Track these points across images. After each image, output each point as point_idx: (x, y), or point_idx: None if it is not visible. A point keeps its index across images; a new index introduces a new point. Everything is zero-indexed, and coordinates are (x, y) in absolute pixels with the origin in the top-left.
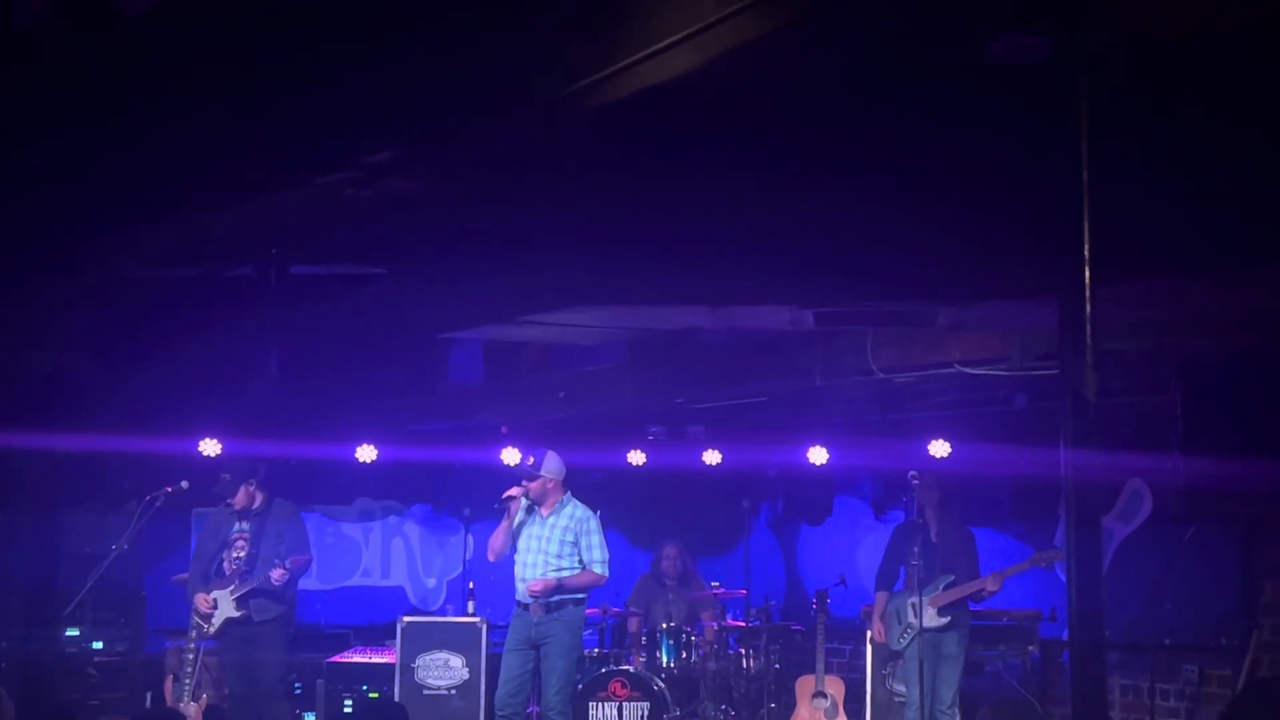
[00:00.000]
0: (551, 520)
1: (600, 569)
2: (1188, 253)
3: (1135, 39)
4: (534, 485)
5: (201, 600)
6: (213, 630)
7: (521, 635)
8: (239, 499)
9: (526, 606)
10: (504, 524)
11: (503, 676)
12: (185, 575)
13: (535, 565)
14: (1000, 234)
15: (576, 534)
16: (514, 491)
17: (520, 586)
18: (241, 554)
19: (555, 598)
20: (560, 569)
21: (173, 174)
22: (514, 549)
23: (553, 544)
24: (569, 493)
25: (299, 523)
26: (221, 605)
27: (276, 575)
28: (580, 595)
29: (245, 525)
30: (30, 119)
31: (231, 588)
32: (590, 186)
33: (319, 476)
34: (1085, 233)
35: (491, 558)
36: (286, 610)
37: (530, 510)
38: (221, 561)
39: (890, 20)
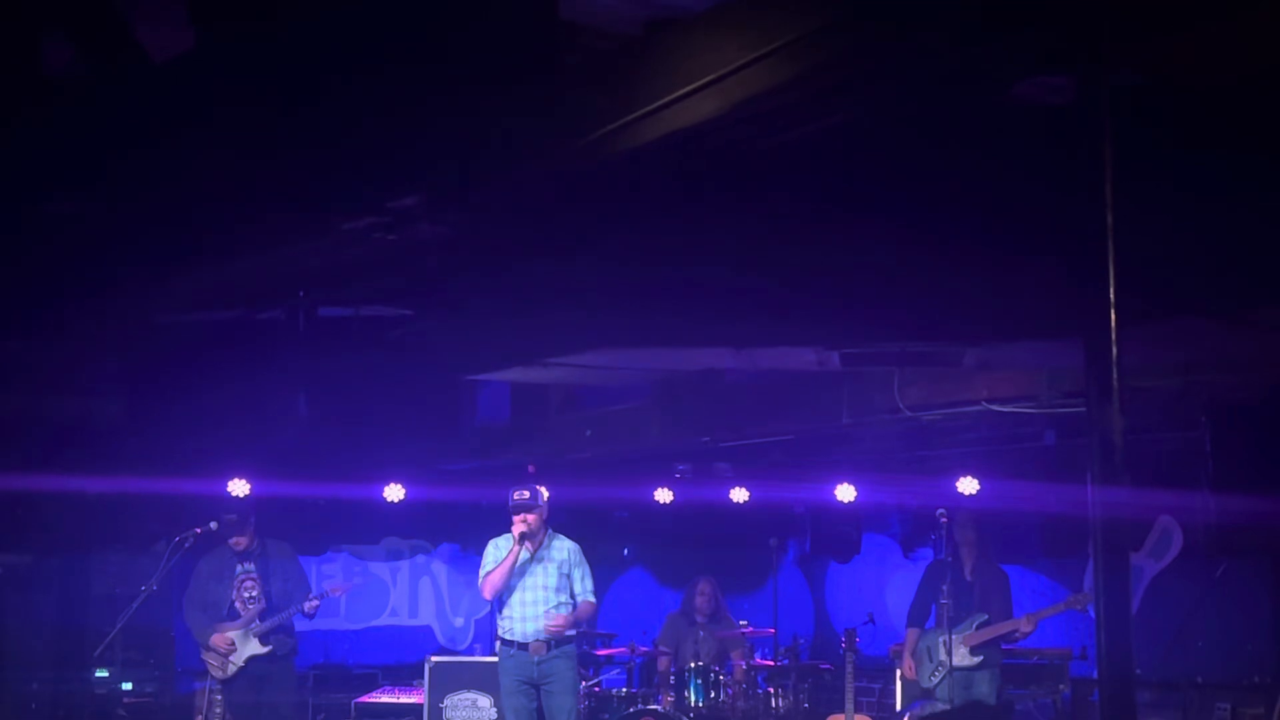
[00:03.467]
0: (544, 555)
1: (592, 597)
2: (1213, 293)
3: (1159, 79)
4: (534, 518)
5: (220, 641)
6: (237, 668)
7: (522, 675)
8: (245, 540)
9: (524, 646)
10: (507, 563)
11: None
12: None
13: (536, 602)
14: (1026, 275)
15: (571, 566)
16: (521, 528)
17: (516, 626)
18: (253, 593)
19: (555, 636)
20: (560, 604)
21: (201, 219)
22: (509, 590)
23: (551, 578)
24: (550, 528)
25: (298, 562)
26: (243, 644)
27: (310, 606)
28: (573, 631)
29: (250, 566)
30: (61, 165)
31: (254, 625)
32: (615, 230)
33: (347, 516)
34: (1111, 274)
35: (489, 595)
36: (295, 644)
37: (526, 550)
38: (232, 603)
39: (913, 66)
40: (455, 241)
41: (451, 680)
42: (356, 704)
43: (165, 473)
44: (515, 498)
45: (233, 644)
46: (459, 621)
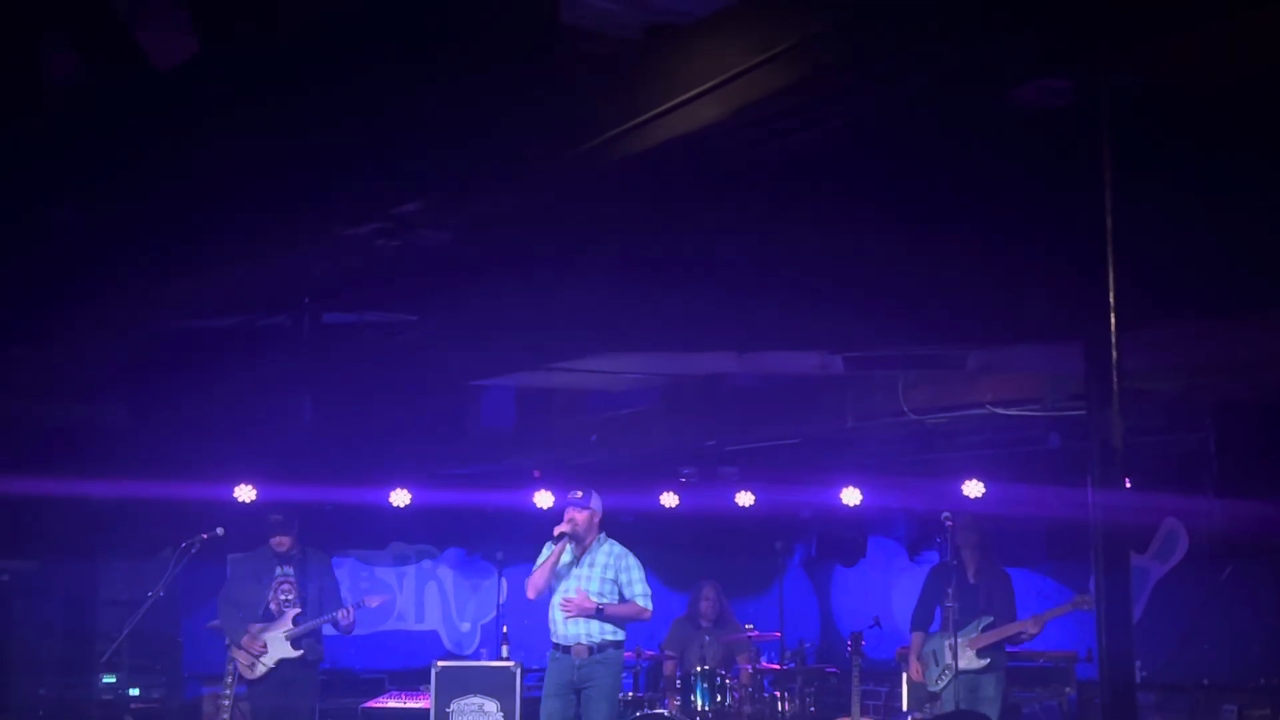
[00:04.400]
0: (589, 559)
1: (644, 602)
2: (1218, 294)
3: (1159, 82)
4: (581, 517)
5: (252, 641)
6: (266, 669)
7: (562, 679)
8: (288, 542)
9: (567, 649)
10: (549, 562)
11: None
12: (219, 622)
13: None
14: (1029, 278)
15: (616, 570)
16: (564, 527)
17: (558, 628)
18: (290, 596)
19: (598, 639)
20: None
21: (205, 225)
22: (551, 591)
23: (593, 583)
24: (604, 533)
25: (333, 573)
26: (274, 646)
27: (343, 614)
28: (621, 636)
29: (289, 569)
30: (65, 171)
31: (286, 629)
32: (618, 235)
33: (353, 521)
34: (1110, 279)
35: (532, 595)
36: (322, 652)
37: (571, 552)
38: (267, 604)
39: (913, 68)
40: (458, 247)
41: (458, 685)
42: (363, 709)
43: (171, 478)
44: (568, 496)
45: (264, 646)
46: (465, 626)
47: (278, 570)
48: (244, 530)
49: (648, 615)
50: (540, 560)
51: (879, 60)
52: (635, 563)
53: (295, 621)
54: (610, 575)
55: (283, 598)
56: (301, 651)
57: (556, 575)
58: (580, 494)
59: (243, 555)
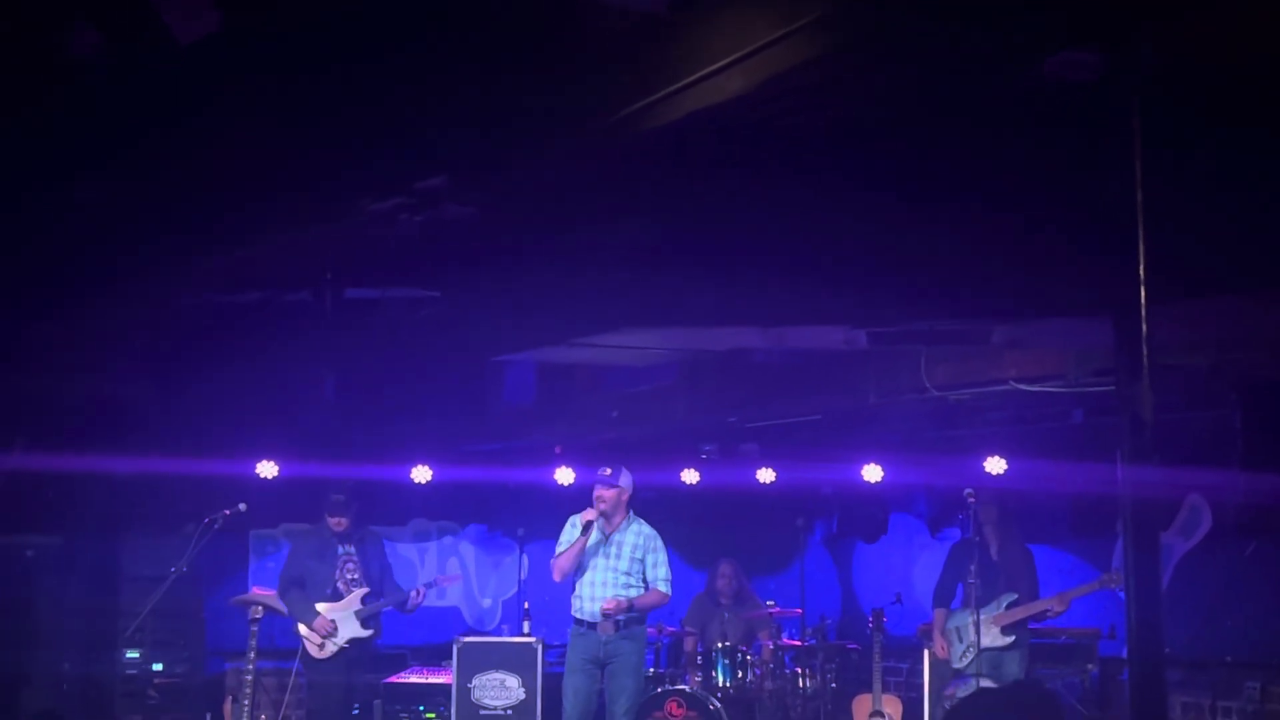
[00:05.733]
0: (618, 538)
1: (665, 587)
2: (1243, 271)
3: (1188, 56)
4: (609, 495)
5: (322, 622)
6: (338, 648)
7: (587, 654)
8: (345, 522)
9: (593, 625)
10: (578, 544)
11: (570, 698)
12: (245, 597)
13: (605, 584)
14: (1055, 252)
15: (644, 551)
16: (591, 515)
17: (585, 605)
18: (355, 575)
19: (623, 616)
20: (629, 586)
21: (229, 202)
22: (579, 570)
23: (622, 561)
24: (633, 512)
25: (386, 553)
26: (345, 625)
27: (415, 594)
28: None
29: (351, 549)
30: (89, 148)
31: (356, 609)
32: (642, 209)
33: (374, 497)
34: (1140, 252)
35: (558, 577)
36: (381, 630)
37: (599, 529)
38: (335, 583)
39: (942, 42)
40: (481, 222)
41: (480, 660)
42: (385, 684)
43: (195, 453)
44: (597, 474)
45: (334, 625)
46: (486, 602)
47: (339, 550)
48: (266, 506)
49: (668, 600)
50: (562, 540)
51: (903, 33)
52: (662, 546)
53: (364, 601)
54: (639, 556)
55: (349, 576)
56: (372, 631)
57: (584, 552)
58: (609, 471)
59: (300, 534)
